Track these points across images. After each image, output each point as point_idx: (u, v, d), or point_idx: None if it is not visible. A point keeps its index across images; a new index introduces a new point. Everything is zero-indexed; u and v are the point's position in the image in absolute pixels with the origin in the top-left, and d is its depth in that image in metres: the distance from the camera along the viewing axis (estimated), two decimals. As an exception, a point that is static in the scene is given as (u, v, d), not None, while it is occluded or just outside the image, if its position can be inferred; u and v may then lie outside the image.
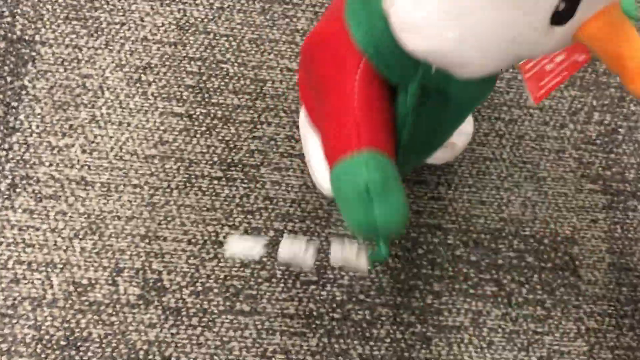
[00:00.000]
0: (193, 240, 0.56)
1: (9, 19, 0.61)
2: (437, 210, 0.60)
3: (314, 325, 0.55)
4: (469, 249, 0.59)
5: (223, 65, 0.62)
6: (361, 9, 0.34)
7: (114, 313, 0.54)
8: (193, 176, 0.58)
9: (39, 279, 0.54)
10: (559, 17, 0.29)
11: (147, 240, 0.56)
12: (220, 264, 0.56)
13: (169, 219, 0.57)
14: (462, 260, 0.59)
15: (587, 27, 0.31)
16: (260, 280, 0.56)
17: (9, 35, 0.60)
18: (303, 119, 0.53)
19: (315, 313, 0.56)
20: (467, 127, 0.55)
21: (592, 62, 0.67)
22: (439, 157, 0.56)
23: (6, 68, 0.59)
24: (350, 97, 0.35)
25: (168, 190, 0.57)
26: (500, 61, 0.33)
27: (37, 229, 0.55)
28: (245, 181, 0.58)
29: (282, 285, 0.56)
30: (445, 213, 0.60)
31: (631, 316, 0.59)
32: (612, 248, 0.61)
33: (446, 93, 0.37)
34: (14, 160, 0.57)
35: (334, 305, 0.56)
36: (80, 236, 0.55)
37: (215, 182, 0.58)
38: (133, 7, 0.62)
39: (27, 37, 0.60)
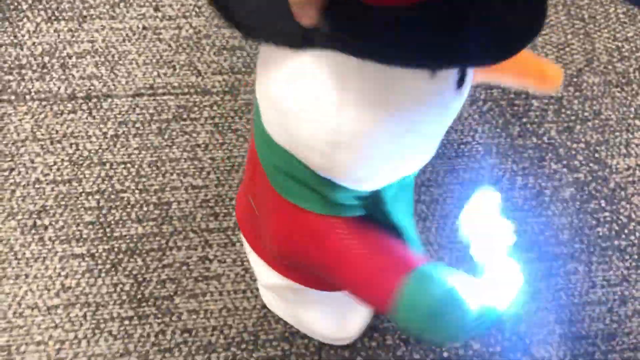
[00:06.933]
0: (108, 394, 0.51)
1: None
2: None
3: None
4: (410, 346, 0.55)
5: (123, 195, 0.59)
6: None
7: None
8: (102, 320, 0.53)
9: None
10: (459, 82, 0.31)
11: (56, 403, 0.50)
12: (141, 415, 0.51)
13: (79, 374, 0.52)
14: (404, 360, 0.55)
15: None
16: None
17: None
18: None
19: None
20: None
21: (505, 127, 0.66)
22: None
23: None
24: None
25: (75, 341, 0.52)
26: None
27: None
28: (159, 316, 0.54)
29: None
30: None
31: (594, 389, 0.55)
32: (560, 317, 0.58)
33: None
34: None
35: None
36: (-20, 412, 0.50)
37: (127, 322, 0.54)
38: (22, 150, 0.60)
39: None
